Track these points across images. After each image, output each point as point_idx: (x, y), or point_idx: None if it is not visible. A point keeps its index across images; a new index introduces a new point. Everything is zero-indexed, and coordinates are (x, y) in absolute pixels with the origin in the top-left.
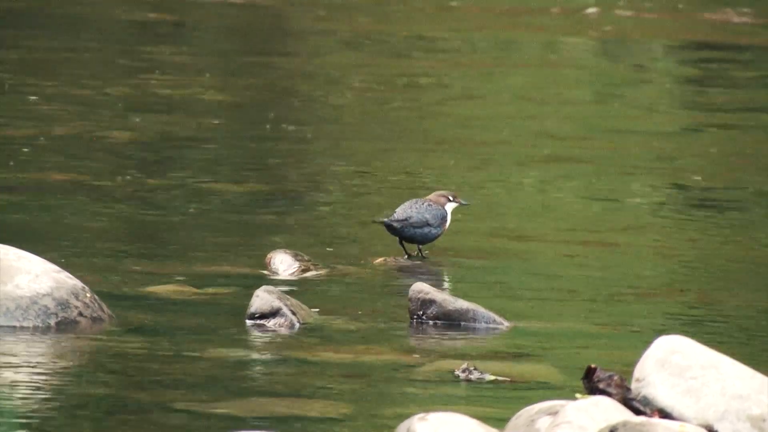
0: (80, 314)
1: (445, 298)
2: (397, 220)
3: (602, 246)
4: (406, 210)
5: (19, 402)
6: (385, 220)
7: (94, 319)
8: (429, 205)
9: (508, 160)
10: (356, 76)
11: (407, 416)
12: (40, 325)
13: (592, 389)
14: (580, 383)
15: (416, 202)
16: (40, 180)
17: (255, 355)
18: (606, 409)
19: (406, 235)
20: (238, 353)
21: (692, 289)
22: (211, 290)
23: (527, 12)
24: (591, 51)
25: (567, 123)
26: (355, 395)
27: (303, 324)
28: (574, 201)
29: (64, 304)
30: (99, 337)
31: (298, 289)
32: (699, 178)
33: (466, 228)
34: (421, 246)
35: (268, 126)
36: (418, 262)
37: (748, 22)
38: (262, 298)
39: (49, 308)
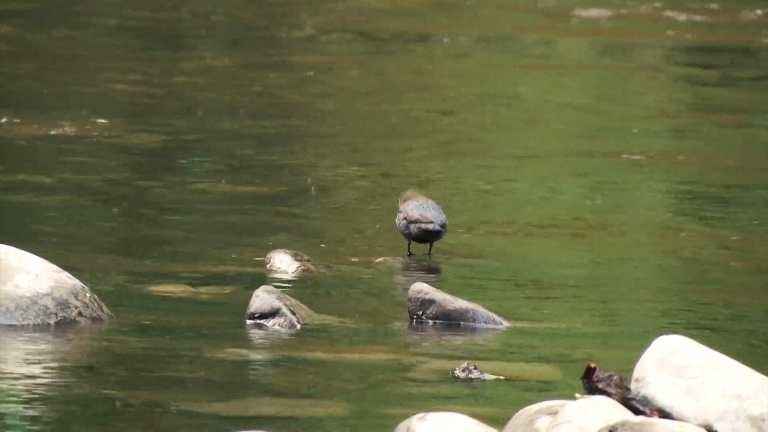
0: (80, 314)
1: (445, 297)
2: (442, 225)
3: (602, 246)
4: (436, 216)
5: (18, 401)
6: (435, 227)
7: (94, 319)
8: (436, 204)
9: (507, 160)
10: (357, 76)
11: (407, 416)
12: (40, 324)
13: (592, 389)
14: (580, 383)
15: (430, 204)
16: (40, 180)
17: (254, 355)
18: (605, 408)
19: (439, 238)
20: (237, 353)
21: (692, 288)
22: (210, 290)
23: (525, 11)
24: (591, 51)
25: (566, 123)
26: (354, 395)
27: (302, 324)
28: (574, 201)
29: (63, 304)
30: (98, 336)
31: (297, 288)
32: (700, 178)
33: (466, 228)
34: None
35: (268, 127)
36: (417, 261)
37: (752, 21)
38: (261, 298)
39: (48, 308)
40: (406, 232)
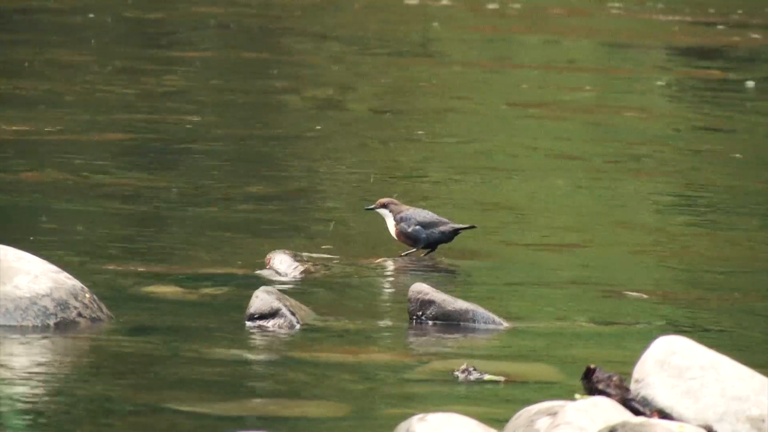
0: (79, 315)
1: (445, 298)
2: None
3: (601, 246)
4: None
5: (18, 402)
6: (462, 225)
7: (93, 320)
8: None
9: (506, 160)
10: (357, 77)
11: (407, 416)
12: (39, 325)
13: (592, 389)
14: (580, 383)
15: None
16: (40, 180)
17: (254, 356)
18: (605, 409)
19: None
20: (237, 354)
21: (692, 289)
22: (210, 290)
23: (526, 12)
24: (591, 52)
25: (566, 124)
26: (354, 395)
27: (302, 324)
28: (572, 201)
29: (63, 305)
30: (98, 337)
31: (297, 289)
32: (698, 179)
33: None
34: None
35: (267, 125)
36: (417, 262)
37: (747, 24)
38: (261, 299)
39: (48, 309)
40: (422, 236)
